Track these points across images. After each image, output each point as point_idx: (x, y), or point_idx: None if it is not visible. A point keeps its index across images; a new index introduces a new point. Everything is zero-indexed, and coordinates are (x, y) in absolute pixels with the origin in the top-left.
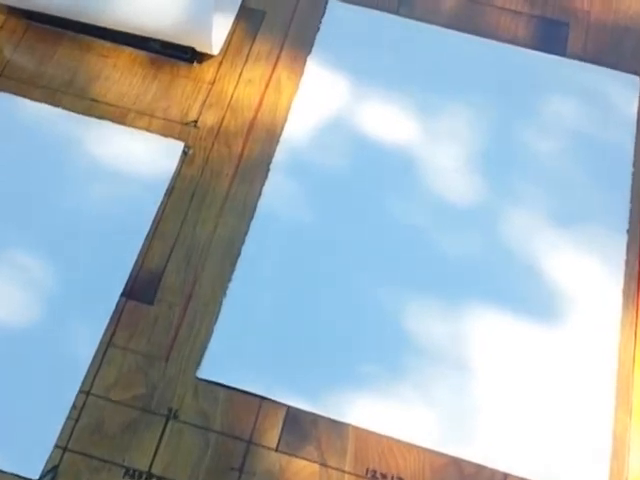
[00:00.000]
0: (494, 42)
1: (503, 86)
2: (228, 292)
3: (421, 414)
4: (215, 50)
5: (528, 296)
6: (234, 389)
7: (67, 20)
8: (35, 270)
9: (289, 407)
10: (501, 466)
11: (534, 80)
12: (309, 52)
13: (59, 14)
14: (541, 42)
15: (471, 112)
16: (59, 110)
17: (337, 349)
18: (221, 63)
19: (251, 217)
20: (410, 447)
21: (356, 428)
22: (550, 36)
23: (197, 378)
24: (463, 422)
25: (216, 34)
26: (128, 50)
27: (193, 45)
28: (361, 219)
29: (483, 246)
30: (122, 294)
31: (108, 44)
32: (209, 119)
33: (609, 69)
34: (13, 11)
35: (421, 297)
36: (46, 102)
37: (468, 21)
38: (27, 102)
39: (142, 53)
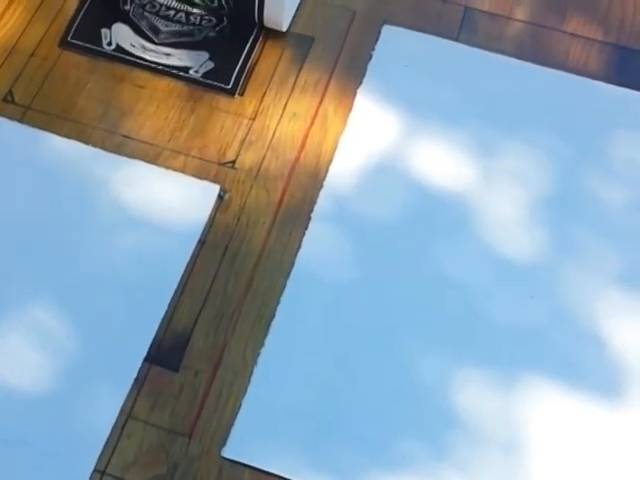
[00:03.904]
0: (563, 73)
1: (571, 123)
2: (259, 360)
3: None
4: (284, 26)
5: (591, 370)
6: (261, 470)
7: (101, 51)
8: (50, 329)
9: None
10: None
11: (606, 117)
12: (359, 83)
13: None
14: (615, 73)
15: (534, 152)
16: (88, 148)
17: (374, 424)
18: (264, 95)
19: (288, 273)
20: None
21: None
22: (625, 66)
23: (222, 457)
24: None
25: (287, 9)
26: (166, 80)
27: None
28: (409, 277)
29: (542, 310)
30: (145, 359)
31: (145, 73)
32: (248, 159)
33: None
34: (45, 38)
35: (471, 368)
36: (76, 138)
37: (535, 49)
38: (55, 138)
39: (180, 83)
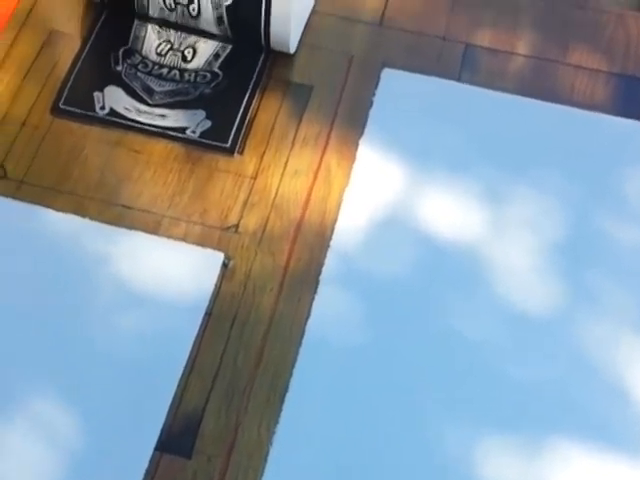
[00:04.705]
0: (568, 108)
1: (580, 161)
2: (274, 439)
3: None
4: (292, 50)
5: (616, 428)
6: None
7: (94, 116)
8: (53, 423)
9: None
10: None
11: (616, 152)
12: (361, 132)
13: None
14: (623, 104)
15: (543, 195)
16: (86, 221)
17: None
18: (264, 151)
19: (299, 343)
20: None
21: None
22: (633, 96)
23: None
24: None
25: (294, 31)
26: (162, 142)
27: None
28: (422, 336)
29: (560, 365)
30: (156, 447)
31: (140, 137)
32: (251, 221)
33: None
34: (36, 105)
35: (491, 431)
36: (72, 211)
37: (539, 83)
38: (51, 213)
39: (177, 145)
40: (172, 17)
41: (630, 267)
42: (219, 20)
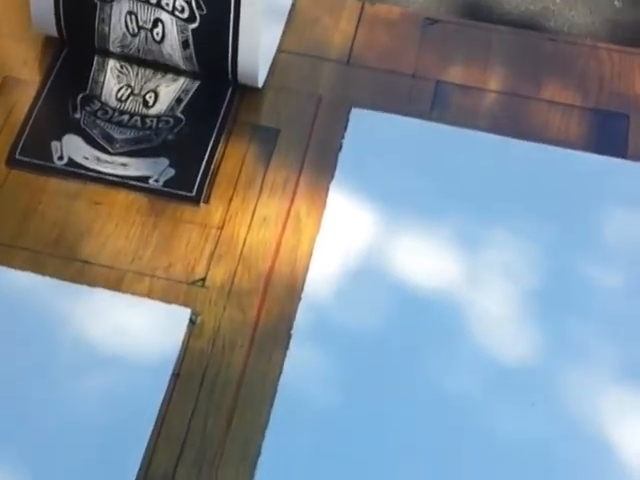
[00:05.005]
0: (542, 146)
1: (555, 202)
2: None
3: None
4: (260, 82)
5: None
6: None
7: (52, 167)
8: None
9: None
10: None
11: (592, 191)
12: (331, 177)
13: None
14: (597, 139)
15: (519, 239)
16: (45, 279)
17: None
18: (231, 199)
19: (271, 402)
20: None
21: None
22: (608, 131)
23: None
24: None
25: (262, 60)
26: (124, 193)
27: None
28: (400, 393)
29: (544, 419)
30: None
31: (101, 187)
32: (219, 275)
33: None
34: None
35: None
36: (30, 268)
37: (512, 120)
38: (8, 272)
39: (140, 195)
40: (134, 45)
41: (610, 313)
42: (184, 44)
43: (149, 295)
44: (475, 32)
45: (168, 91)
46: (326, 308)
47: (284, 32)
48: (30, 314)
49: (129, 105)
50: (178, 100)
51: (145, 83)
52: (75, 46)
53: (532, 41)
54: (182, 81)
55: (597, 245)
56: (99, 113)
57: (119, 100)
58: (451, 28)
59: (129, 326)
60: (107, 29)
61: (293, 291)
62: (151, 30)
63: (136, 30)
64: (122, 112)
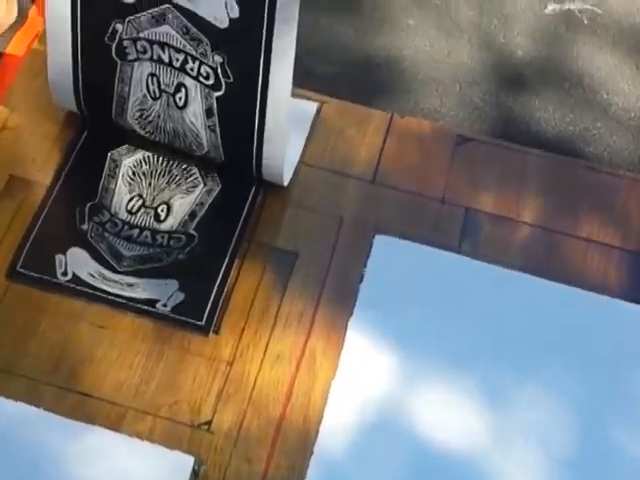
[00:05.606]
0: (579, 291)
1: (592, 356)
2: None
3: None
4: (285, 181)
5: None
6: None
7: (55, 282)
8: None
9: None
10: None
11: (632, 347)
12: (350, 312)
13: None
14: (638, 288)
15: (552, 397)
16: (40, 412)
17: None
18: (243, 331)
19: None
20: None
21: None
22: None
23: None
24: None
25: (288, 154)
26: (129, 317)
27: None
28: None
29: None
30: None
31: (105, 309)
32: (226, 418)
33: None
34: None
35: None
36: (25, 398)
37: (545, 257)
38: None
39: (146, 320)
40: (154, 109)
41: None
42: (208, 112)
43: (151, 435)
44: (508, 154)
45: (182, 203)
46: (339, 464)
47: (307, 142)
48: (22, 450)
49: (140, 218)
50: (192, 215)
51: (158, 194)
52: (92, 113)
53: (570, 169)
54: (197, 193)
55: (636, 407)
56: (108, 225)
57: (129, 212)
58: (483, 148)
59: (127, 472)
60: (127, 89)
61: (305, 442)
62: (173, 94)
63: (157, 93)
64: (132, 226)
